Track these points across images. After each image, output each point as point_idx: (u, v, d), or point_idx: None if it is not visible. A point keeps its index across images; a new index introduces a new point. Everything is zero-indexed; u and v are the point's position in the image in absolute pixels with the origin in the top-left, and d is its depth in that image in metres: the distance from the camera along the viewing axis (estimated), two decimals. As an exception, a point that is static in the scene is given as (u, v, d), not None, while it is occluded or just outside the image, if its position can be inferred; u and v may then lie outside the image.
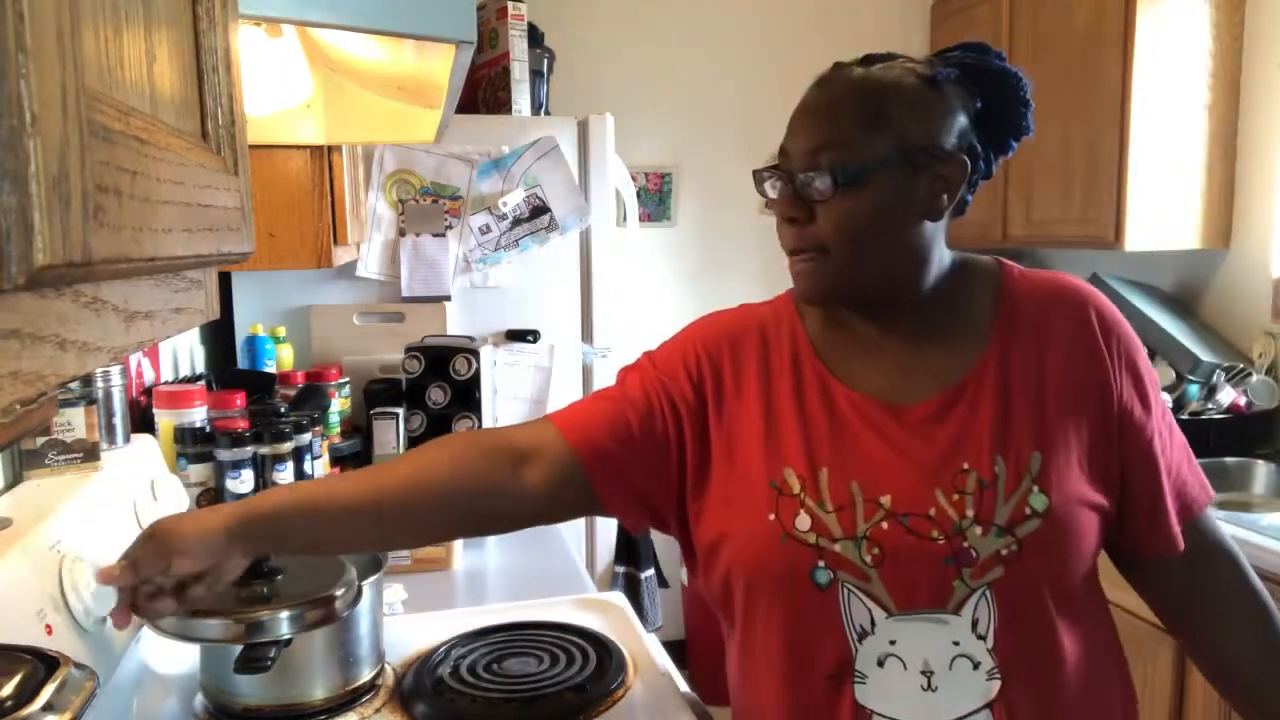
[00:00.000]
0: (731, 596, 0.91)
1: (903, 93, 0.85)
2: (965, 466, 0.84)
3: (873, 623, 0.83)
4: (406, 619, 1.38)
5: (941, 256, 0.91)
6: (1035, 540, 0.82)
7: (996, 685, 0.82)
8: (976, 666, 0.82)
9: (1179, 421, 2.45)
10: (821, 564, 0.84)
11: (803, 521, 0.85)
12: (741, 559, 0.88)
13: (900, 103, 0.85)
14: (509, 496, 0.93)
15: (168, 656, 1.21)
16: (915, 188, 0.85)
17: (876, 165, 0.84)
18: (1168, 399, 2.47)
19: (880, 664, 0.83)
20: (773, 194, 0.89)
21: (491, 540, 1.78)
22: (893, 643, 0.83)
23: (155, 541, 0.83)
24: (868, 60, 0.90)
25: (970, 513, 0.83)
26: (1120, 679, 0.93)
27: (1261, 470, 2.33)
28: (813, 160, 0.85)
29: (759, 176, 0.91)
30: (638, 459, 0.93)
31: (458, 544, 1.69)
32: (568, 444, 0.93)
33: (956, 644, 0.82)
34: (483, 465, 0.93)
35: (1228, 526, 1.84)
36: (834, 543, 0.84)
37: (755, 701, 0.91)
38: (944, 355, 0.90)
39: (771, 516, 0.86)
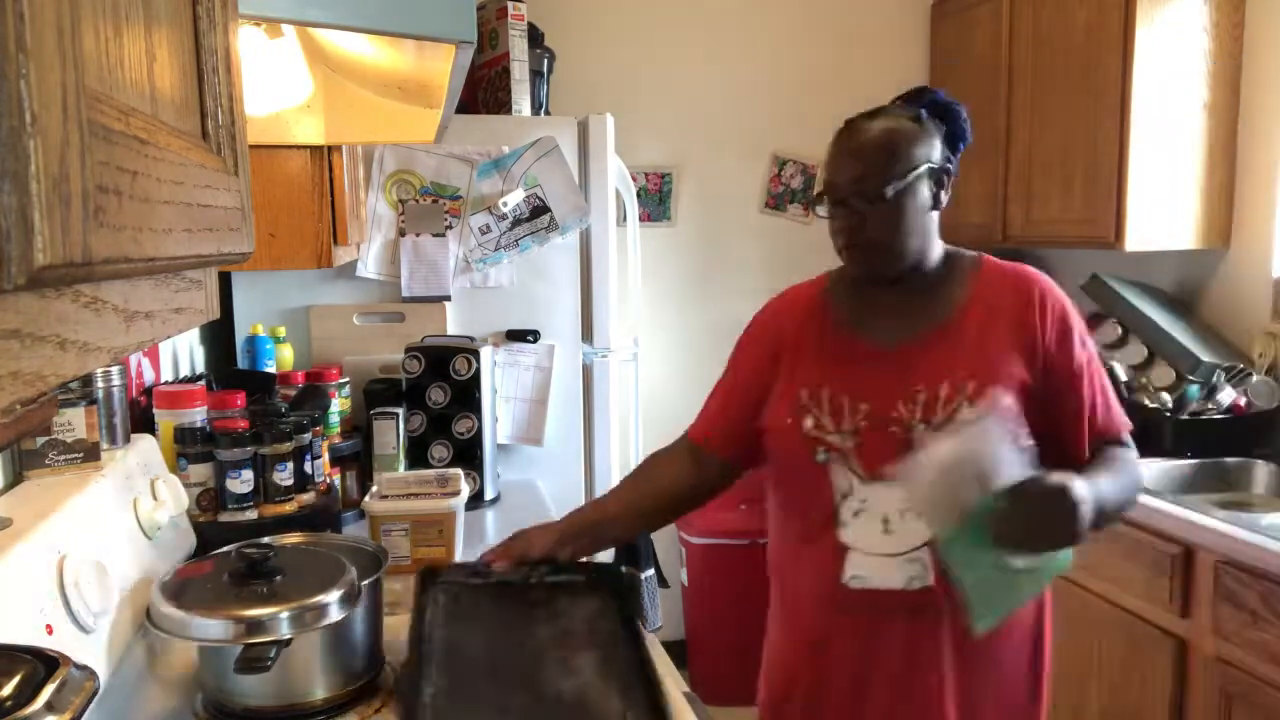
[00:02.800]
0: (770, 474, 1.39)
1: (906, 133, 1.26)
2: (919, 387, 1.24)
3: (851, 487, 1.25)
4: (407, 619, 1.38)
5: (937, 241, 1.32)
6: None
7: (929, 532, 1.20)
8: (919, 516, 1.20)
9: (1179, 421, 2.43)
10: (821, 449, 1.26)
11: (809, 422, 1.27)
12: (773, 446, 1.33)
13: (906, 140, 1.25)
14: (690, 500, 1.46)
15: (168, 657, 1.21)
16: (921, 194, 1.26)
17: (900, 185, 1.24)
18: (1168, 398, 2.47)
19: (855, 515, 1.25)
20: (828, 214, 1.30)
21: (491, 540, 1.78)
22: (863, 500, 1.24)
23: (519, 540, 1.35)
24: (872, 115, 1.29)
25: (918, 415, 1.22)
26: None
27: (1261, 470, 2.33)
28: (857, 187, 1.24)
29: (816, 199, 1.32)
30: (741, 409, 1.38)
31: (458, 544, 1.69)
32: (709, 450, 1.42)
33: (906, 501, 1.21)
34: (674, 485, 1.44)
35: (1227, 526, 1.85)
36: (830, 434, 1.26)
37: (779, 543, 1.37)
38: (924, 315, 1.30)
39: (789, 420, 1.29)
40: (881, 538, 1.23)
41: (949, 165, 1.30)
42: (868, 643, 1.25)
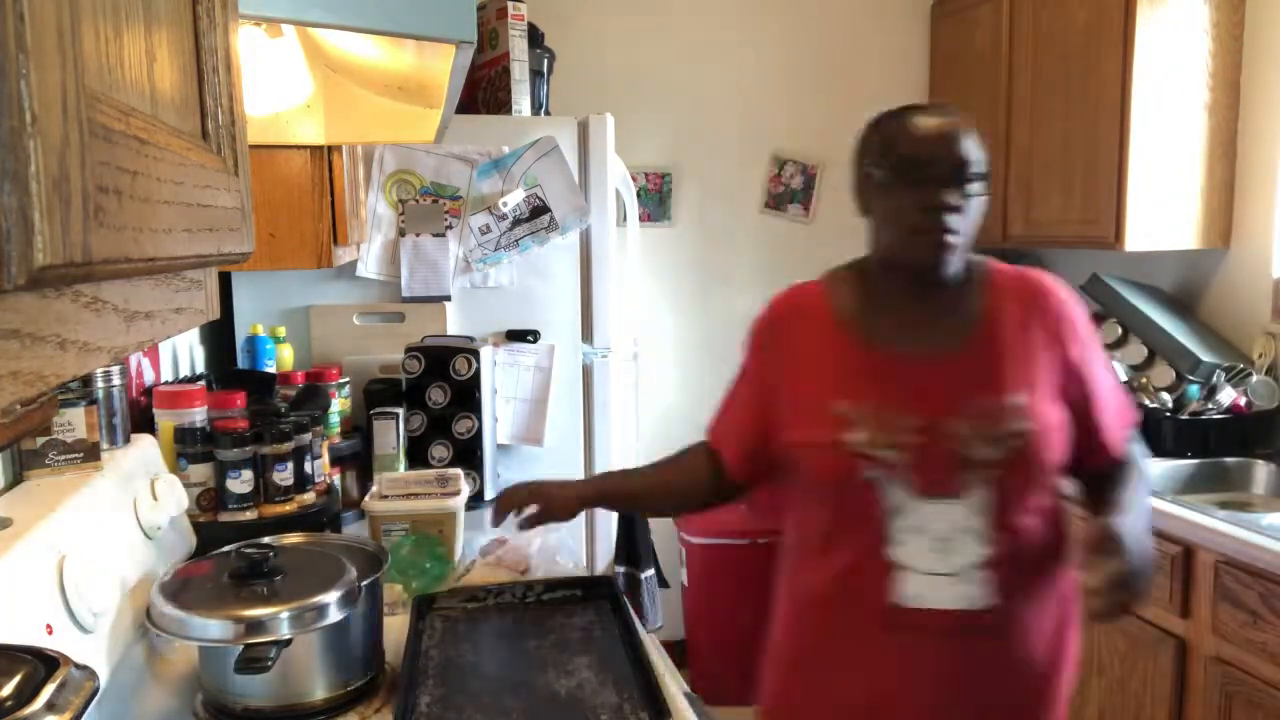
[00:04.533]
0: (800, 491, 1.30)
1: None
2: (972, 399, 1.18)
3: (903, 504, 1.17)
4: (407, 619, 1.38)
5: None
6: (1018, 452, 1.16)
7: (988, 550, 1.17)
8: (975, 536, 1.17)
9: (1179, 421, 2.44)
10: (869, 465, 1.17)
11: (856, 437, 1.18)
12: (809, 464, 1.24)
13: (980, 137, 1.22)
14: (703, 497, 1.47)
15: (168, 657, 1.21)
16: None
17: (988, 183, 1.22)
18: (1168, 398, 2.47)
19: (907, 533, 1.18)
20: (887, 188, 1.20)
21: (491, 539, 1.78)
22: (917, 518, 1.17)
23: (540, 495, 1.40)
24: (938, 107, 1.24)
25: (973, 429, 1.16)
26: (1067, 552, 1.27)
27: (1261, 470, 2.33)
28: (964, 171, 1.17)
29: (886, 166, 1.22)
30: (756, 425, 1.33)
31: (458, 544, 1.69)
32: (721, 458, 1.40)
33: (961, 520, 1.17)
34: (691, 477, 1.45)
35: (1227, 526, 1.85)
36: (880, 450, 1.18)
37: (804, 559, 1.29)
38: (952, 321, 1.24)
39: (830, 435, 1.20)
40: (932, 556, 1.17)
41: None
42: (916, 663, 1.19)
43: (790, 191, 3.36)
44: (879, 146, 1.21)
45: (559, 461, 2.46)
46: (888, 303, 1.26)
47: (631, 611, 1.35)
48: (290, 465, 1.59)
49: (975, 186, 1.18)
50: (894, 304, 1.25)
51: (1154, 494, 2.07)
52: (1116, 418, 1.29)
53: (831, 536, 1.24)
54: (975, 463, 1.15)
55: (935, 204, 1.16)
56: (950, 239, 1.17)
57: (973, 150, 1.18)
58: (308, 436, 1.65)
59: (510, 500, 1.42)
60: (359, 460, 2.08)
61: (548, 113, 2.64)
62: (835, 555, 1.24)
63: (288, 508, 1.59)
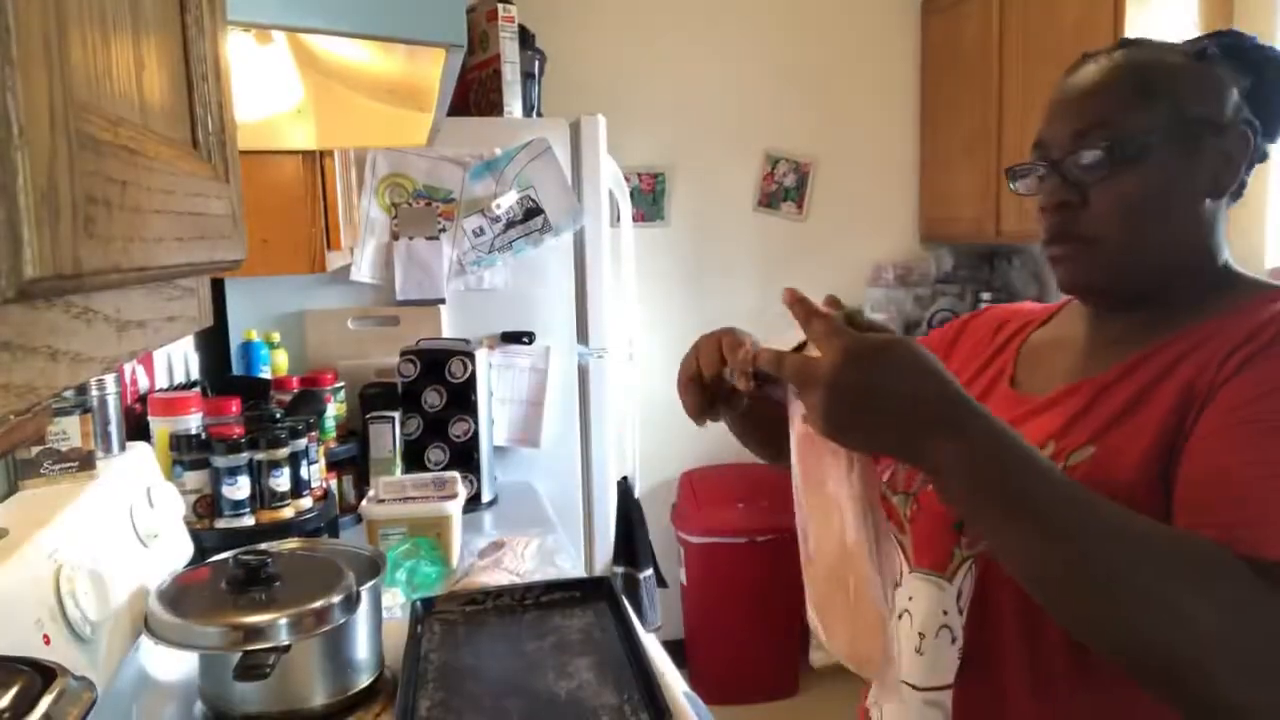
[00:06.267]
0: None
1: (1170, 65, 0.81)
2: None
3: (900, 575, 0.89)
4: (406, 624, 1.38)
5: (1218, 252, 0.85)
6: None
7: (957, 666, 0.83)
8: (953, 641, 0.83)
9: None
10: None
11: (890, 469, 0.93)
12: None
13: (1169, 74, 0.80)
14: None
15: (167, 665, 1.21)
16: (1195, 162, 0.79)
17: (1153, 138, 0.78)
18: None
19: (899, 616, 0.88)
20: (1028, 190, 0.87)
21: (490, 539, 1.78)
22: (910, 598, 0.88)
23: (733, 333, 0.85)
24: (1121, 45, 0.85)
25: None
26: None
27: None
28: (1081, 142, 0.81)
29: (1014, 173, 0.88)
30: None
31: (456, 548, 1.68)
32: None
33: (945, 613, 0.84)
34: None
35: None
36: (894, 494, 0.92)
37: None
38: (1099, 358, 0.84)
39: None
40: (914, 658, 0.87)
41: (1253, 132, 0.80)
42: None
43: (783, 189, 3.37)
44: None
45: (556, 463, 2.46)
46: (1074, 328, 0.91)
47: (631, 612, 1.35)
48: (286, 471, 1.59)
49: (1093, 160, 0.79)
50: (1075, 329, 0.91)
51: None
52: (1213, 513, 0.68)
53: None
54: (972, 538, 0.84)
55: (1041, 204, 0.85)
56: (1057, 249, 0.84)
57: (1113, 98, 0.81)
58: (303, 442, 1.64)
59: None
60: (355, 465, 2.07)
61: (540, 114, 2.64)
62: None
63: (285, 513, 1.59)
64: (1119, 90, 0.80)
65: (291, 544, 1.28)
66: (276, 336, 2.20)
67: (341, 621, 1.06)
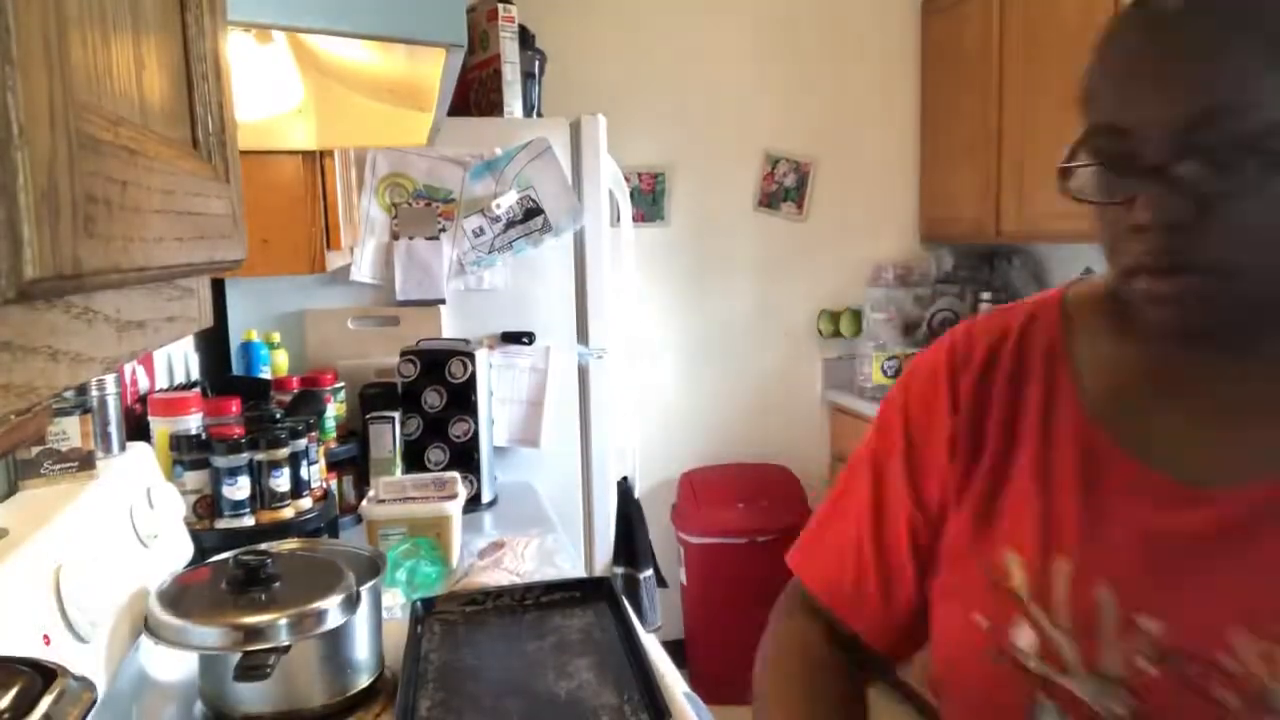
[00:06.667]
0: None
1: None
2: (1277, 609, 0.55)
3: None
4: (406, 624, 1.38)
5: None
6: None
7: None
8: None
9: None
10: (1046, 700, 0.60)
11: (1023, 636, 0.61)
12: (940, 667, 0.66)
13: None
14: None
15: (167, 665, 1.21)
16: None
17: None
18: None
19: None
20: (1097, 193, 0.61)
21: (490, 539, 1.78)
22: None
23: None
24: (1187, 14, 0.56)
25: (1272, 672, 0.55)
26: None
27: None
28: (1206, 131, 0.54)
29: (1066, 172, 0.61)
30: (911, 592, 0.76)
31: (456, 548, 1.68)
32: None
33: None
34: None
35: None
36: (1067, 676, 0.59)
37: None
38: (1273, 426, 0.60)
39: (980, 618, 0.62)
40: None
41: None
42: None
43: (783, 189, 3.36)
44: (1086, 89, 0.62)
45: (556, 463, 2.46)
46: (1163, 373, 0.66)
47: (631, 612, 1.35)
48: (286, 471, 1.59)
49: (1222, 158, 0.54)
50: (1173, 375, 0.65)
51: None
52: None
53: None
54: None
55: (1137, 221, 0.57)
56: (1166, 285, 0.58)
57: (1243, 63, 0.53)
58: (303, 442, 1.64)
59: None
60: (356, 465, 2.07)
61: (540, 114, 2.64)
62: None
63: (285, 514, 1.59)
64: (1265, 53, 0.53)
65: (291, 544, 1.28)
66: (277, 337, 2.20)
67: (341, 622, 1.06)
